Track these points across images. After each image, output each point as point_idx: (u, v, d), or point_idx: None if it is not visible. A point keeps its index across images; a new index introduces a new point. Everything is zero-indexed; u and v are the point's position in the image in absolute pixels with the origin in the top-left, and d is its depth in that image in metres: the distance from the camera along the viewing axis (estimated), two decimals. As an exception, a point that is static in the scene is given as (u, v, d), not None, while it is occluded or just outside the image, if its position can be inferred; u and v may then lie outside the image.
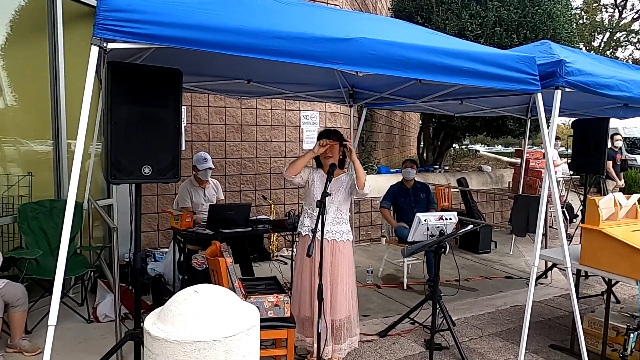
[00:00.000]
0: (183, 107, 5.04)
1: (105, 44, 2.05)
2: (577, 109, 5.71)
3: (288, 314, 2.96)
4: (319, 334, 2.67)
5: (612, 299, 3.99)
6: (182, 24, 2.17)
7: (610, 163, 8.35)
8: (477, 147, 26.03)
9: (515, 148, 21.28)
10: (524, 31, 7.48)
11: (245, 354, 1.92)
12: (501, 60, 2.99)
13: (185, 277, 4.17)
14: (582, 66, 3.29)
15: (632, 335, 2.50)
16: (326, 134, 3.35)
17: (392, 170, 8.73)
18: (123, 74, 2.49)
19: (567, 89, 3.16)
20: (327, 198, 3.33)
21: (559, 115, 3.26)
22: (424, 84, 3.99)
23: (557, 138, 9.00)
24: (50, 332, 1.92)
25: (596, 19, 20.06)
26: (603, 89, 3.30)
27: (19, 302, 3.41)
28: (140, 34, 2.09)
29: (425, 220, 3.80)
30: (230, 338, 1.86)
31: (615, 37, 20.33)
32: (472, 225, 3.29)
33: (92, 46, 2.05)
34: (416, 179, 5.54)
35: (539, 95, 3.12)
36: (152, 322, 1.95)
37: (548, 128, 3.15)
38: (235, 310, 2.00)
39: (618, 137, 8.94)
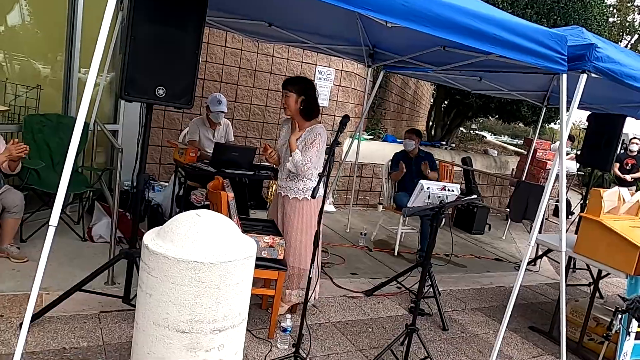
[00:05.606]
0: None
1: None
2: (595, 103, 5.63)
3: (281, 257, 2.99)
4: (309, 278, 2.70)
5: (597, 293, 4.04)
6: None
7: (617, 165, 8.17)
8: (485, 134, 25.88)
9: (521, 140, 21.14)
10: (555, 17, 7.30)
11: (239, 281, 1.94)
12: (531, 34, 2.91)
13: (183, 212, 4.19)
14: (612, 54, 3.20)
15: (619, 316, 2.53)
16: (283, 84, 3.28)
17: (398, 140, 8.68)
18: (148, -11, 2.42)
19: (593, 75, 3.08)
20: (282, 152, 3.36)
21: (577, 108, 3.20)
22: (447, 52, 3.92)
23: (570, 138, 8.59)
24: (51, 232, 1.94)
25: (627, 19, 19.57)
26: (630, 80, 3.22)
27: (15, 210, 3.43)
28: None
29: (427, 188, 3.80)
30: (226, 263, 1.89)
31: (642, 40, 19.85)
32: (476, 196, 3.28)
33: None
34: (421, 148, 5.51)
35: (564, 76, 3.06)
36: (151, 238, 1.97)
37: (568, 112, 3.11)
38: (235, 239, 2.01)
39: (636, 141, 8.26)
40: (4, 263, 3.41)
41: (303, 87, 3.23)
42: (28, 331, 2.01)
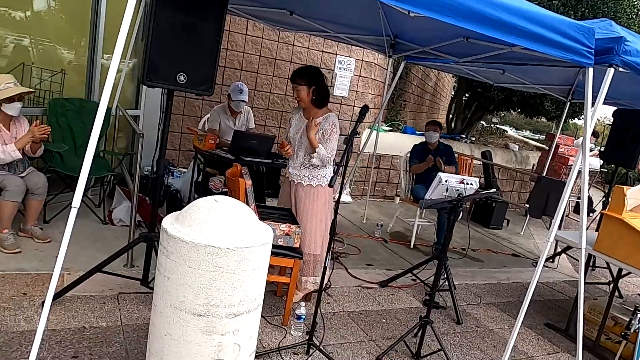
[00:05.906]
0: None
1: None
2: (622, 99, 5.49)
3: (297, 245, 3.01)
4: (324, 267, 2.72)
5: (616, 292, 3.97)
6: None
7: None
8: (506, 128, 25.50)
9: (543, 136, 20.76)
10: (583, 9, 7.12)
11: (255, 267, 1.96)
12: (558, 25, 2.83)
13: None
14: (641, 48, 3.12)
15: (638, 316, 2.49)
16: (292, 78, 3.26)
17: (417, 132, 8.61)
18: (171, -24, 2.44)
19: (621, 69, 3.00)
20: (296, 141, 3.33)
21: (602, 103, 3.12)
22: (470, 43, 3.85)
23: (594, 134, 8.40)
24: (73, 213, 1.98)
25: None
26: (659, 75, 3.14)
27: (39, 191, 3.51)
28: None
29: (446, 181, 3.77)
30: (243, 249, 1.90)
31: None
32: (495, 190, 3.25)
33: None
34: (440, 141, 5.46)
35: (590, 70, 2.98)
36: (170, 222, 1.99)
37: (593, 107, 3.03)
38: (252, 225, 2.03)
39: None
40: (27, 243, 3.50)
41: (312, 77, 3.22)
42: (50, 309, 2.07)
